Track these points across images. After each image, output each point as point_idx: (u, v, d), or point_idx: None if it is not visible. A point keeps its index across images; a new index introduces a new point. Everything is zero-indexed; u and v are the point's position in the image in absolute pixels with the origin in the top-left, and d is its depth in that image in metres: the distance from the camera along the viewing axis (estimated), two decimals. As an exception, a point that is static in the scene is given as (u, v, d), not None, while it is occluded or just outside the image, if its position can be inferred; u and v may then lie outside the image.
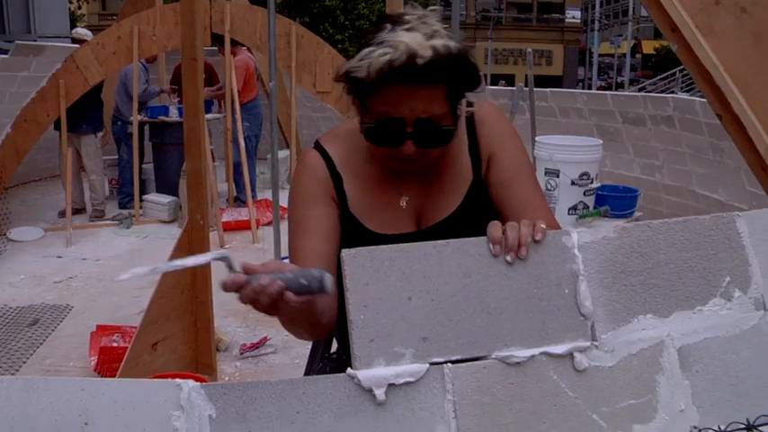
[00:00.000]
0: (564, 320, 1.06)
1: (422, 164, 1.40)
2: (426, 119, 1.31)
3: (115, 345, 3.95)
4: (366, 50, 1.28)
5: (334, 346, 1.81)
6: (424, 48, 1.24)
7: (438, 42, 1.25)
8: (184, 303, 3.63)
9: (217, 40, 7.31)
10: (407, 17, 1.29)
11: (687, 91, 18.34)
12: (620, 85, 36.64)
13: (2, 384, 0.97)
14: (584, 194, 5.12)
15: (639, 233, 1.11)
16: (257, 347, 4.18)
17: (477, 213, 1.44)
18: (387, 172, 1.46)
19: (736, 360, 1.08)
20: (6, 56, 8.20)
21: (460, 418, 1.00)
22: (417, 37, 1.25)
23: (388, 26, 1.29)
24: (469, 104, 1.47)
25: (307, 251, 1.41)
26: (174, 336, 3.60)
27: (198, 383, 0.99)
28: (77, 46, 7.29)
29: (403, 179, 1.48)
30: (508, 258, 1.07)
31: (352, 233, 1.47)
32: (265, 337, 4.25)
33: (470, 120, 1.49)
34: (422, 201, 1.49)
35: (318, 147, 1.52)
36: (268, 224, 6.52)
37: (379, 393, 0.99)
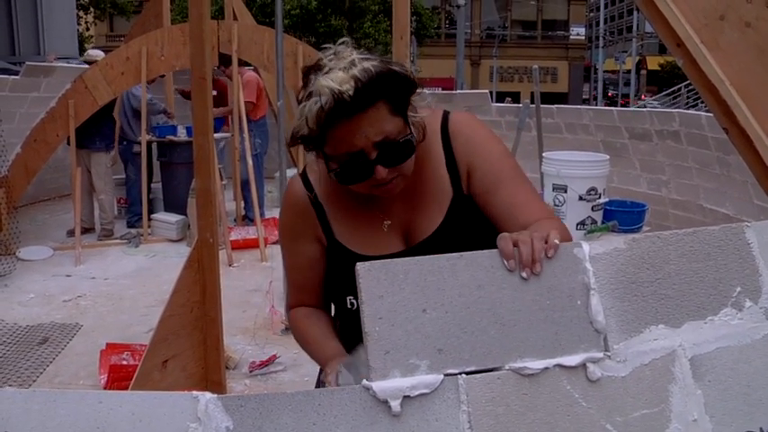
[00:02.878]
0: (576, 331, 1.07)
1: (401, 180, 1.43)
2: (382, 140, 1.35)
3: (125, 363, 3.96)
4: (300, 107, 1.35)
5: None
6: (346, 81, 1.29)
7: (356, 71, 1.30)
8: (194, 321, 3.63)
9: (222, 60, 7.37)
10: (323, 61, 1.35)
11: (692, 107, 18.31)
12: (625, 96, 36.76)
13: (20, 397, 0.98)
14: (592, 210, 5.14)
15: (650, 244, 1.12)
16: (266, 365, 4.18)
17: (462, 227, 1.48)
18: (366, 197, 1.49)
19: (748, 369, 1.09)
20: (17, 77, 8.28)
21: (475, 429, 1.01)
22: (336, 75, 1.30)
23: (312, 77, 1.35)
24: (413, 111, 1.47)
25: (298, 283, 1.61)
26: (184, 353, 3.61)
27: (215, 395, 1.00)
28: (87, 66, 7.36)
29: (382, 202, 1.51)
30: (523, 275, 1.09)
31: (343, 259, 1.52)
32: (274, 355, 4.25)
33: (445, 134, 1.51)
34: (406, 220, 1.53)
35: (303, 176, 1.57)
36: (276, 242, 6.54)
37: (395, 405, 1.00)
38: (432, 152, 1.50)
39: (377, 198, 1.49)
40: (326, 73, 1.32)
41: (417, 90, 1.42)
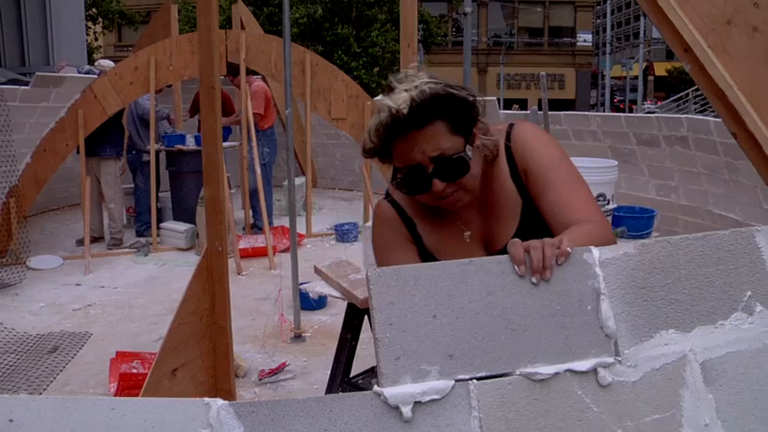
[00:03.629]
0: (587, 336, 1.07)
1: (463, 194, 1.52)
2: (438, 156, 1.45)
3: (134, 371, 3.97)
4: (369, 123, 1.48)
5: (354, 371, 1.84)
6: (404, 101, 1.41)
7: (414, 92, 1.42)
8: (203, 329, 3.64)
9: (230, 69, 7.40)
10: (394, 83, 1.47)
11: (701, 112, 18.24)
12: (632, 101, 36.72)
13: (34, 404, 0.98)
14: (601, 216, 5.12)
15: (660, 249, 1.12)
16: (276, 373, 4.18)
17: (538, 230, 1.51)
18: (446, 212, 1.60)
19: (759, 374, 1.08)
20: (27, 87, 8.34)
21: (486, 434, 1.01)
22: (398, 96, 1.42)
23: (384, 96, 1.47)
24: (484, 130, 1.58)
25: None
26: (194, 362, 3.61)
27: (226, 402, 1.00)
28: (95, 76, 7.41)
29: (461, 215, 1.61)
30: (533, 280, 1.09)
31: None
32: (284, 363, 4.25)
33: (508, 146, 1.60)
34: (485, 230, 1.62)
35: (388, 197, 1.67)
36: (285, 251, 6.55)
37: (406, 411, 1.00)
38: (500, 166, 1.60)
39: (455, 212, 1.58)
40: (392, 92, 1.44)
41: (477, 111, 1.51)
